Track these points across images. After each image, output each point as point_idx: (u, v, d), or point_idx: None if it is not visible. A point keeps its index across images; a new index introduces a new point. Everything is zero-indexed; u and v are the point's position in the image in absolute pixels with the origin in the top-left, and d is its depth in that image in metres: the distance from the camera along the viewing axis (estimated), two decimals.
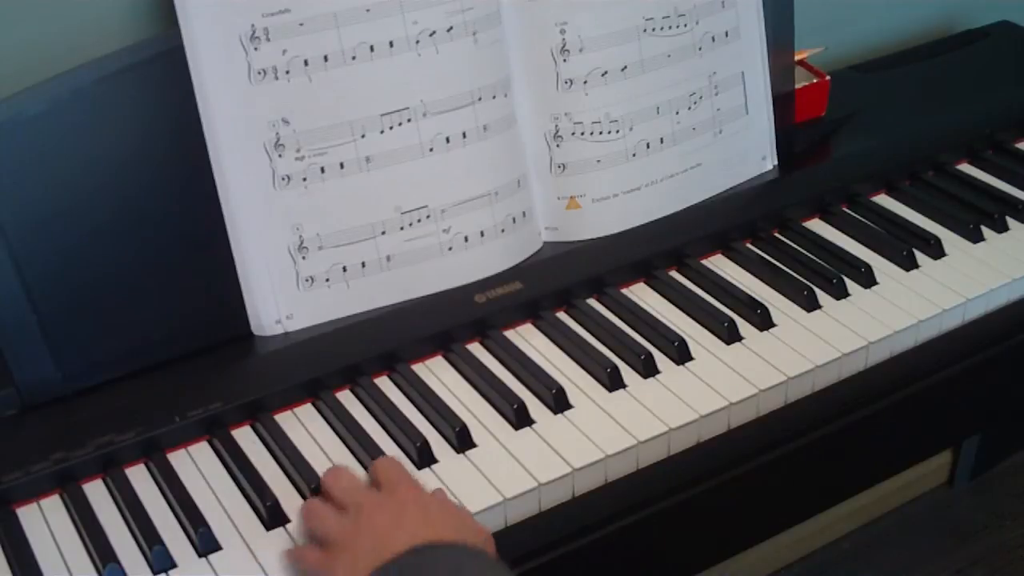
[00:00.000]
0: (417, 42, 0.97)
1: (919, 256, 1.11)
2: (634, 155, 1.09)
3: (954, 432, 1.26)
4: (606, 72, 1.06)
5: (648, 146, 1.10)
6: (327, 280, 0.99)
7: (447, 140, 1.00)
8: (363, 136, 0.97)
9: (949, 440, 1.46)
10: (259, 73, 0.93)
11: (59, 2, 0.98)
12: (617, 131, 1.08)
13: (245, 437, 0.91)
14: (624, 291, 1.06)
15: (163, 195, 0.94)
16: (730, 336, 1.00)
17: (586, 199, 1.08)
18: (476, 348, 1.00)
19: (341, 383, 0.96)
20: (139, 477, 0.88)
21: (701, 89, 1.12)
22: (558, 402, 0.93)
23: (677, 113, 1.11)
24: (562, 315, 1.04)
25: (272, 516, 0.83)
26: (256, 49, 0.93)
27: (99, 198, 0.91)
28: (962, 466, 1.80)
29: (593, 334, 1.01)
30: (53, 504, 0.85)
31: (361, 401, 0.95)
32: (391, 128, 0.98)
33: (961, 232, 1.14)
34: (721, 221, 1.13)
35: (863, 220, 1.17)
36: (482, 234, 1.03)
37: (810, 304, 1.04)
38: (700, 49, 1.11)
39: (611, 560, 0.89)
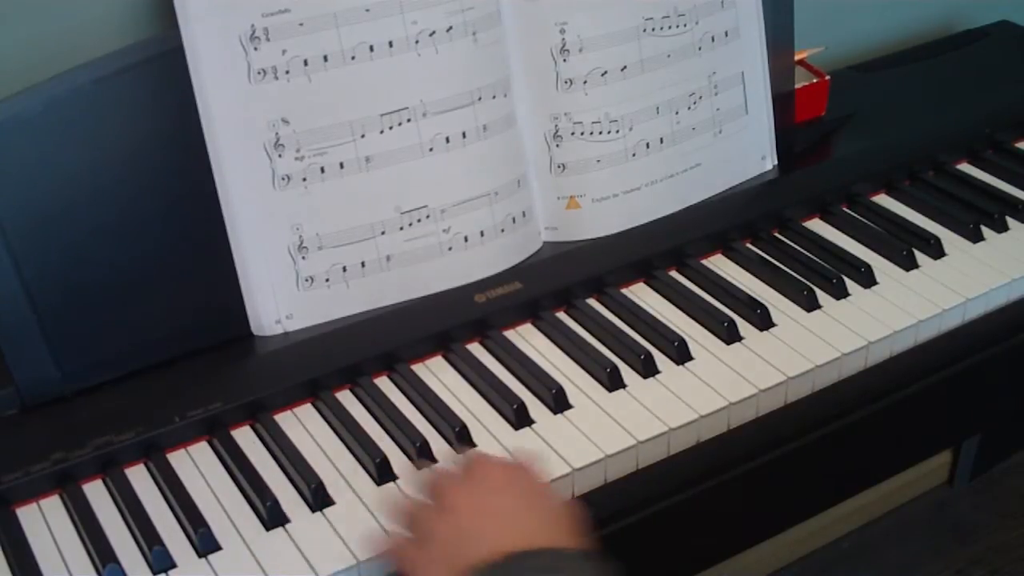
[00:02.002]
0: (417, 42, 0.97)
1: (919, 256, 1.11)
2: (634, 155, 1.09)
3: (954, 432, 1.26)
4: (606, 72, 1.06)
5: (648, 146, 1.10)
6: (327, 280, 0.99)
7: (447, 140, 1.00)
8: (363, 136, 0.97)
9: (949, 440, 1.46)
10: (259, 73, 0.93)
11: (59, 2, 0.98)
12: (617, 131, 1.08)
13: (245, 437, 0.91)
14: (624, 291, 1.06)
15: (163, 195, 0.94)
16: (730, 336, 1.00)
17: (586, 199, 1.08)
18: (476, 348, 1.00)
19: (341, 383, 0.96)
20: (139, 477, 0.88)
21: (701, 89, 1.12)
22: (558, 402, 0.93)
23: (677, 113, 1.11)
24: (562, 315, 1.04)
25: (272, 516, 0.83)
26: (256, 49, 0.93)
27: (99, 198, 0.91)
28: (962, 466, 1.80)
29: (593, 334, 1.01)
30: (53, 504, 0.85)
31: (361, 401, 0.95)
32: (391, 128, 0.98)
33: (961, 232, 1.14)
34: (721, 221, 1.13)
35: (863, 220, 1.17)
36: (482, 234, 1.03)
37: (810, 304, 1.04)
38: (700, 49, 1.11)
39: (611, 560, 0.89)
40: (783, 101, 1.20)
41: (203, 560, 0.81)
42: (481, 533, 0.73)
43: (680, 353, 0.98)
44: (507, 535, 0.73)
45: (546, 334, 1.02)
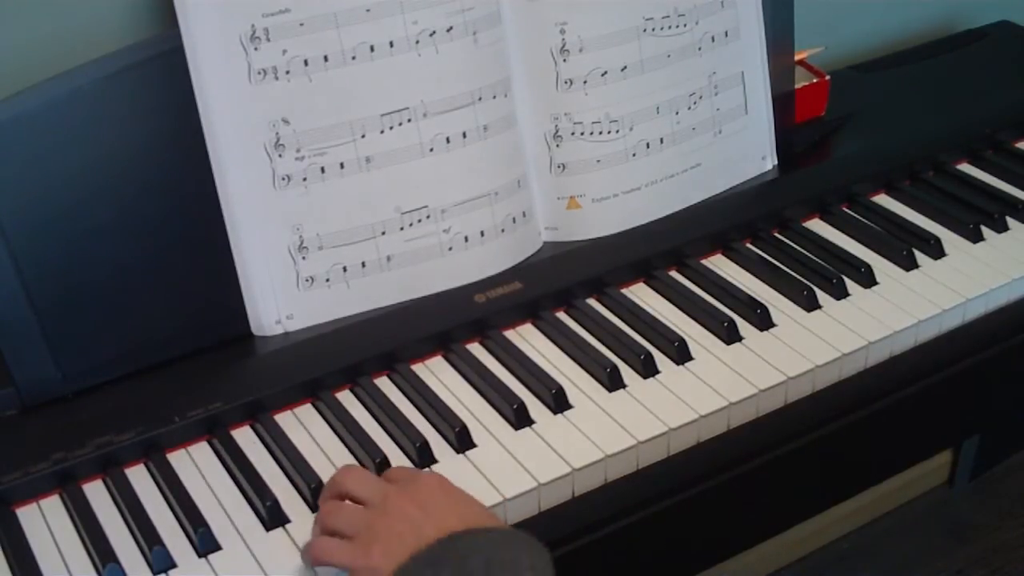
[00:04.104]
0: (417, 42, 0.97)
1: (919, 256, 1.11)
2: (634, 155, 1.09)
3: (954, 432, 1.26)
4: (606, 72, 1.06)
5: (648, 146, 1.10)
6: (327, 280, 0.99)
7: (447, 140, 1.00)
8: (363, 136, 0.97)
9: (949, 440, 1.46)
10: (259, 73, 0.93)
11: (59, 2, 0.98)
12: (617, 131, 1.08)
13: (245, 437, 0.91)
14: (624, 291, 1.06)
15: (163, 195, 0.94)
16: (730, 336, 1.00)
17: (586, 199, 1.08)
18: (476, 348, 1.00)
19: (341, 383, 0.96)
20: (139, 477, 0.88)
21: (701, 89, 1.12)
22: (558, 402, 0.93)
23: (677, 113, 1.11)
24: (562, 315, 1.04)
25: (272, 516, 0.83)
26: (256, 49, 0.93)
27: (99, 198, 0.91)
28: (962, 466, 1.80)
29: (593, 334, 1.01)
30: (53, 504, 0.85)
31: (361, 401, 0.95)
32: (391, 128, 0.98)
33: (961, 232, 1.14)
34: (721, 221, 1.13)
35: (863, 220, 1.17)
36: (482, 234, 1.03)
37: (810, 304, 1.04)
38: (700, 49, 1.11)
39: (611, 560, 0.89)
40: (783, 101, 1.20)
41: (203, 560, 0.81)
42: (423, 522, 0.76)
43: (680, 353, 0.98)
44: (449, 521, 0.75)
45: (546, 334, 1.02)
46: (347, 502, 0.81)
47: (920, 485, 1.80)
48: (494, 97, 1.02)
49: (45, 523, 0.84)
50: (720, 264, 1.11)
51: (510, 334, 1.01)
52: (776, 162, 1.20)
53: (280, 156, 0.95)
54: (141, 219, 0.93)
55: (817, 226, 1.16)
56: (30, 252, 0.89)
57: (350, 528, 0.78)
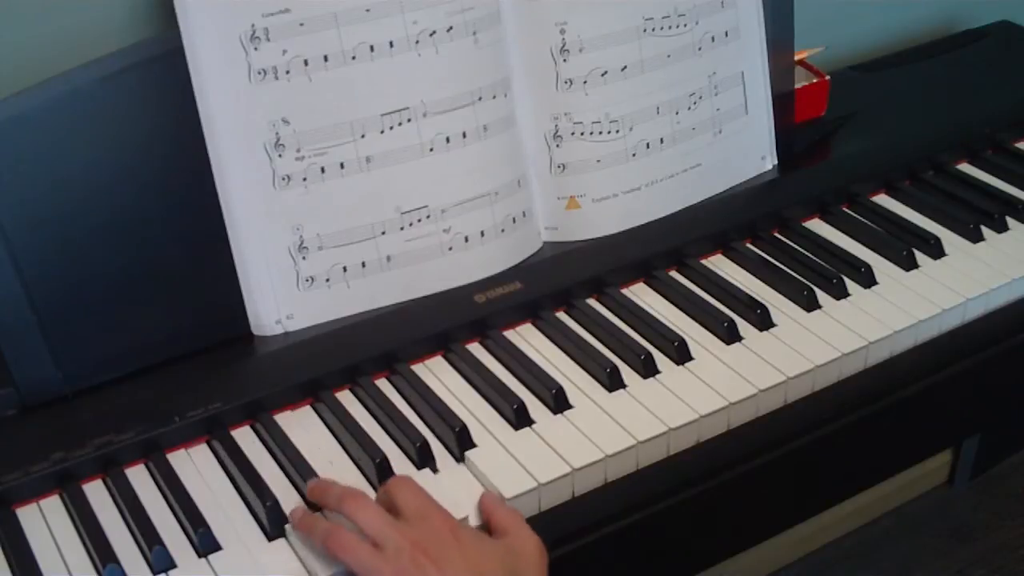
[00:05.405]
0: (417, 42, 0.97)
1: (919, 256, 1.11)
2: (634, 155, 1.09)
3: (954, 432, 1.26)
4: (606, 72, 1.06)
5: (648, 146, 1.10)
6: (327, 280, 0.99)
7: (447, 140, 1.00)
8: (363, 136, 0.97)
9: (949, 440, 1.46)
10: (259, 73, 0.93)
11: (59, 2, 0.98)
12: (617, 131, 1.08)
13: (245, 437, 0.91)
14: (624, 291, 1.06)
15: (163, 195, 0.94)
16: (730, 336, 1.00)
17: (586, 199, 1.08)
18: (476, 348, 1.00)
19: (341, 383, 0.96)
20: (139, 477, 0.88)
21: (701, 89, 1.12)
22: (558, 402, 0.93)
23: (677, 113, 1.11)
24: (562, 315, 1.04)
25: (272, 516, 0.83)
26: (256, 49, 0.93)
27: (99, 198, 0.91)
28: (962, 466, 1.80)
29: (593, 334, 1.01)
30: (53, 504, 0.85)
31: (361, 401, 0.95)
32: (391, 128, 0.98)
33: (961, 232, 1.14)
34: (721, 221, 1.13)
35: (863, 220, 1.17)
36: (482, 234, 1.03)
37: (810, 304, 1.04)
38: (700, 49, 1.11)
39: (611, 560, 0.89)
40: (783, 101, 1.20)
41: (203, 560, 0.81)
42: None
43: (680, 353, 0.98)
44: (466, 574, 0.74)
45: (546, 334, 1.02)
46: (359, 539, 0.78)
47: (920, 485, 1.80)
48: (494, 97, 1.02)
49: (45, 523, 0.84)
50: (720, 264, 1.11)
51: (510, 334, 1.01)
52: (776, 162, 1.20)
53: (280, 156, 0.95)
54: (141, 219, 0.93)
55: (817, 226, 1.16)
56: (30, 252, 0.89)
57: (363, 571, 0.76)
